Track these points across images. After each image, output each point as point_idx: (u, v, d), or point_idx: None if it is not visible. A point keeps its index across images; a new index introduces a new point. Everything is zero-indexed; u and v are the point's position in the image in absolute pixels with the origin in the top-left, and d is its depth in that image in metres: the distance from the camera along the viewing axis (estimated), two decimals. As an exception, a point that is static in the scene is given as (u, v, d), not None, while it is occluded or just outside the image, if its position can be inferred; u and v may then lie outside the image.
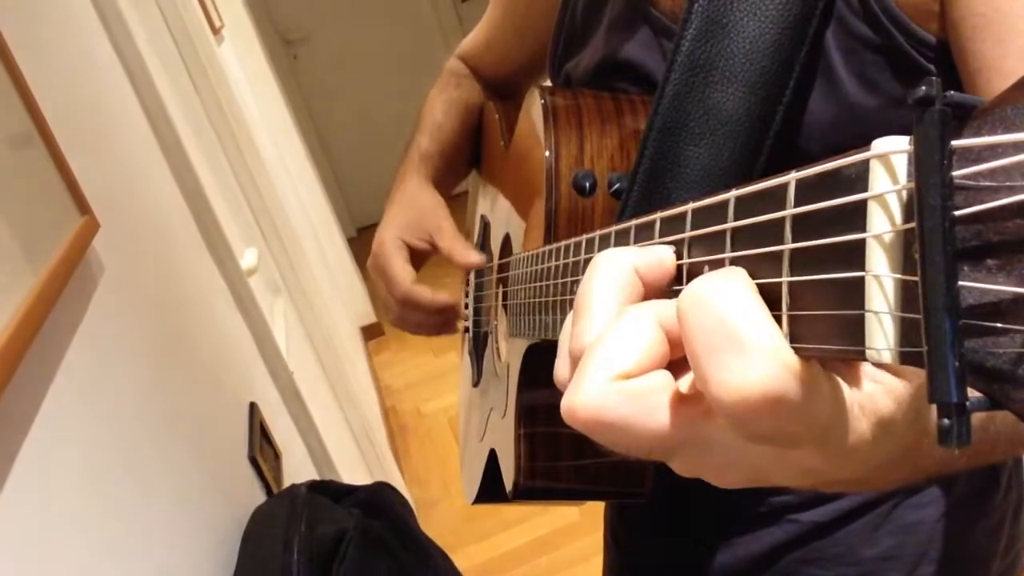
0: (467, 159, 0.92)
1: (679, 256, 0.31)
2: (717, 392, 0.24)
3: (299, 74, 4.24)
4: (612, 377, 0.27)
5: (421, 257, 0.85)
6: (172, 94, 1.39)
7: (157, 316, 0.82)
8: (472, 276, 0.92)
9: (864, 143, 0.22)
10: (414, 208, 0.84)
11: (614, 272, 0.30)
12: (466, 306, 0.93)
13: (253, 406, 0.98)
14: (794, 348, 0.25)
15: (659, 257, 0.31)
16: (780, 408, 0.24)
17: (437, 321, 0.84)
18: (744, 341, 0.24)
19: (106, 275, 0.68)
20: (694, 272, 0.30)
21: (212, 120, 1.65)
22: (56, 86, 0.72)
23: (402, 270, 0.82)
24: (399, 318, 0.85)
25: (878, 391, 0.29)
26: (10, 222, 0.52)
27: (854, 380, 0.28)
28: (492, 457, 0.76)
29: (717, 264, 0.28)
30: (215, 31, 2.13)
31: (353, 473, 1.62)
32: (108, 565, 0.55)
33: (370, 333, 3.37)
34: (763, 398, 0.24)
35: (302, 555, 0.64)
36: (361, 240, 4.31)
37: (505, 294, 0.73)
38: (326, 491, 0.81)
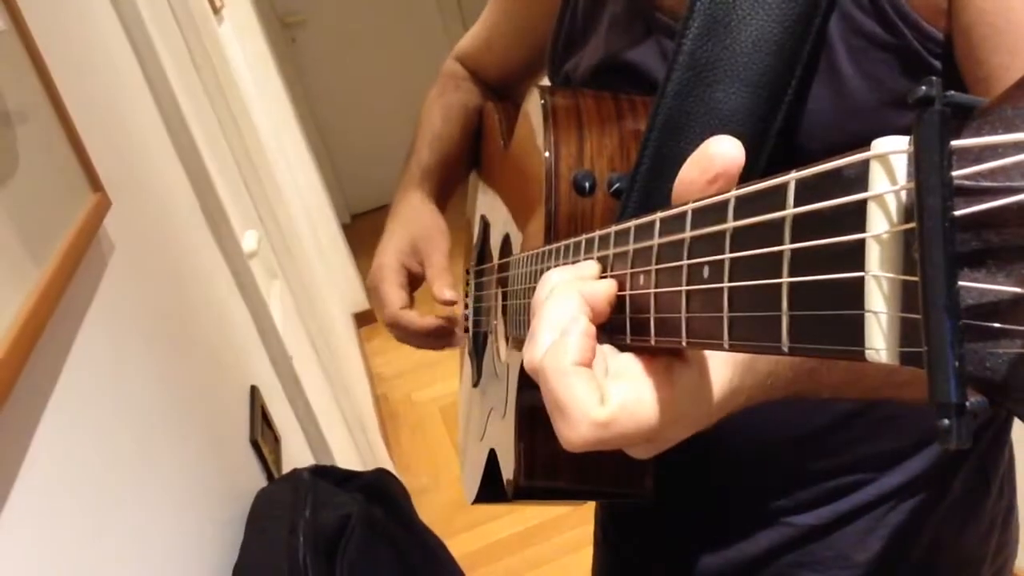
0: (468, 164, 0.92)
1: (679, 257, 0.31)
2: (561, 443, 0.35)
3: (297, 58, 4.21)
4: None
5: (419, 279, 0.85)
6: (175, 73, 1.37)
7: (163, 296, 0.81)
8: (472, 277, 0.92)
9: (866, 142, 0.22)
10: (413, 229, 0.84)
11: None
12: (466, 307, 0.92)
13: (254, 389, 0.98)
14: (793, 348, 0.25)
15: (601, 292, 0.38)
16: (602, 445, 0.34)
17: (433, 339, 0.84)
18: (562, 409, 0.34)
19: (116, 254, 0.67)
20: (693, 273, 0.30)
21: (213, 101, 1.64)
22: (69, 64, 0.72)
23: (393, 295, 0.82)
24: (395, 337, 0.85)
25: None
26: (25, 197, 0.52)
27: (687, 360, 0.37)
28: (492, 457, 0.75)
29: (717, 264, 0.28)
30: (215, 10, 2.11)
31: (346, 461, 1.62)
32: (117, 541, 0.55)
33: (362, 320, 3.37)
34: (584, 446, 0.34)
35: (307, 539, 0.64)
36: (355, 227, 4.29)
37: (505, 294, 0.73)
38: (328, 476, 0.81)
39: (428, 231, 0.83)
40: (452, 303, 0.79)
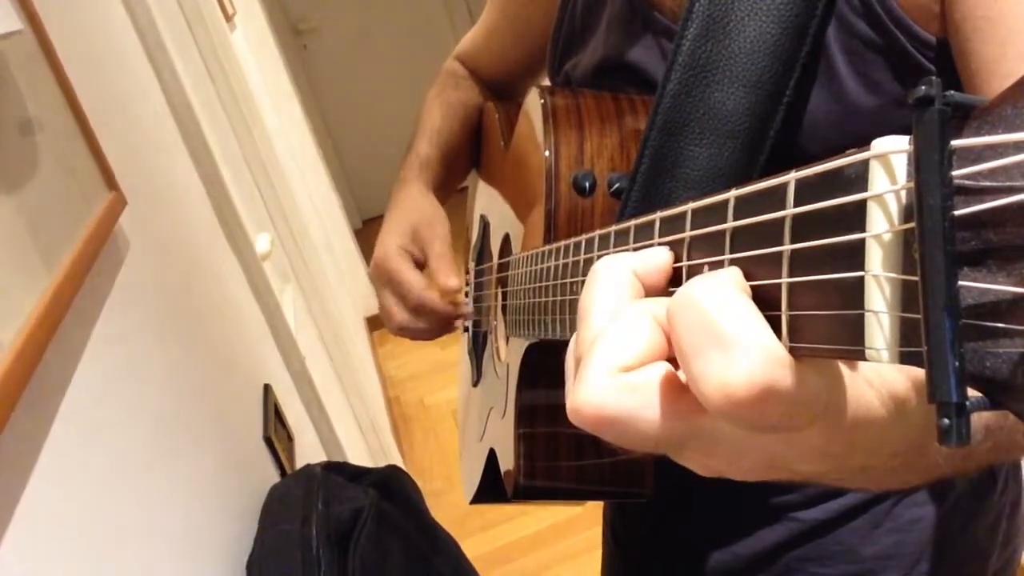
0: (467, 161, 0.92)
1: (678, 258, 0.31)
2: (704, 390, 0.25)
3: (309, 65, 4.24)
4: (612, 371, 0.27)
5: (420, 267, 0.84)
6: (188, 78, 1.39)
7: (178, 294, 0.82)
8: (472, 276, 0.92)
9: (865, 143, 0.22)
10: (413, 218, 0.84)
11: (613, 279, 0.30)
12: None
13: (267, 388, 0.99)
14: (793, 348, 0.25)
15: (656, 259, 0.31)
16: (771, 397, 0.24)
17: (440, 326, 0.83)
18: (726, 338, 0.24)
19: (131, 251, 0.68)
20: (693, 273, 0.30)
21: (225, 106, 1.66)
22: (85, 68, 0.73)
23: (415, 277, 0.81)
24: (401, 327, 0.83)
25: (886, 367, 0.29)
26: (43, 195, 0.53)
27: None
28: (492, 457, 0.75)
29: (717, 265, 0.28)
30: (228, 18, 2.14)
31: (359, 462, 1.63)
32: (134, 536, 0.56)
33: (375, 324, 3.38)
34: (749, 391, 0.24)
35: (320, 531, 0.65)
36: (367, 231, 4.31)
37: (504, 294, 0.73)
38: (341, 472, 0.82)
39: (428, 219, 0.83)
40: (456, 290, 0.79)
